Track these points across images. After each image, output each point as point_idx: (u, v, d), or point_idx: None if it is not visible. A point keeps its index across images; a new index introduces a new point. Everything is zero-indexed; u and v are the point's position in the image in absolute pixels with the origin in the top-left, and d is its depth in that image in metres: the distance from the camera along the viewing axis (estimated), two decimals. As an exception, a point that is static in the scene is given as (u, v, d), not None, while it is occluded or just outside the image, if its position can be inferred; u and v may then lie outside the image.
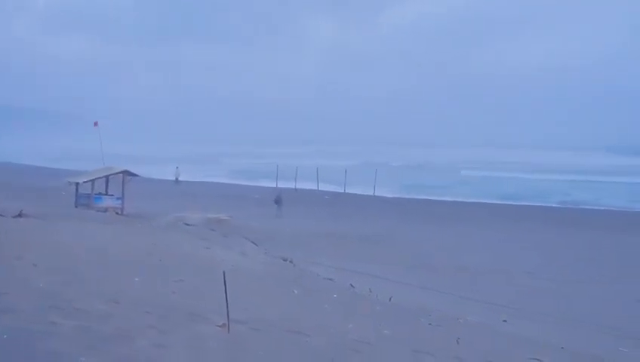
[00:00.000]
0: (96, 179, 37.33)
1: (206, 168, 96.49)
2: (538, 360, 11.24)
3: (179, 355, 7.95)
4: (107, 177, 38.53)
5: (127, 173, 38.37)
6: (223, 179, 78.16)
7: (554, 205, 58.00)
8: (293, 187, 65.00)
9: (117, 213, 35.33)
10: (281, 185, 66.00)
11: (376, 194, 62.76)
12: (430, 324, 13.36)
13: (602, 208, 55.69)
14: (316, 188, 65.23)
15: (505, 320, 17.05)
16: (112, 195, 38.20)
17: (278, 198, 46.53)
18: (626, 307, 21.93)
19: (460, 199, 61.13)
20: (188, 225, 29.99)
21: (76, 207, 35.95)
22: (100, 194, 37.71)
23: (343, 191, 63.98)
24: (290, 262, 21.95)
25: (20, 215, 23.65)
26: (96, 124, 42.67)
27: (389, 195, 62.65)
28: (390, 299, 16.35)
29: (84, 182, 37.22)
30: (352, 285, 18.38)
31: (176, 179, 65.68)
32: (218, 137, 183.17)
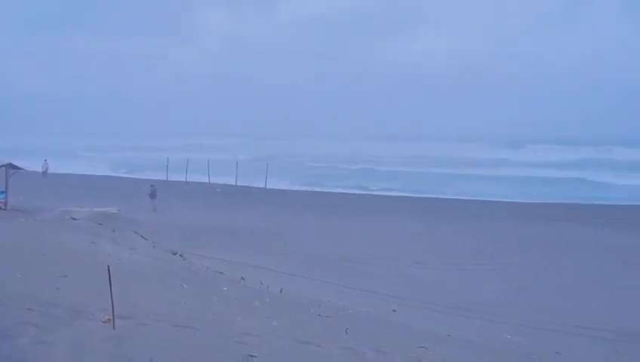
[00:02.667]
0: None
1: (95, 161, 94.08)
2: (425, 348, 11.48)
3: (61, 353, 7.74)
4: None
5: (10, 166, 36.91)
6: (112, 172, 76.43)
7: (442, 196, 59.43)
8: (184, 180, 64.24)
9: (0, 208, 34.00)
10: (172, 178, 65.08)
11: (267, 186, 62.75)
12: (320, 315, 13.47)
13: (489, 199, 57.48)
14: (207, 180, 64.64)
15: (394, 310, 17.38)
16: None
17: (153, 191, 44.54)
18: (510, 295, 22.74)
19: (350, 191, 61.86)
20: (74, 219, 29.12)
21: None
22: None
23: (234, 183, 63.66)
24: (180, 255, 21.68)
25: None
26: None
27: (281, 188, 62.76)
28: (281, 291, 16.40)
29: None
30: (242, 278, 18.32)
31: (44, 172, 63.58)
32: (107, 130, 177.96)
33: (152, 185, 45.41)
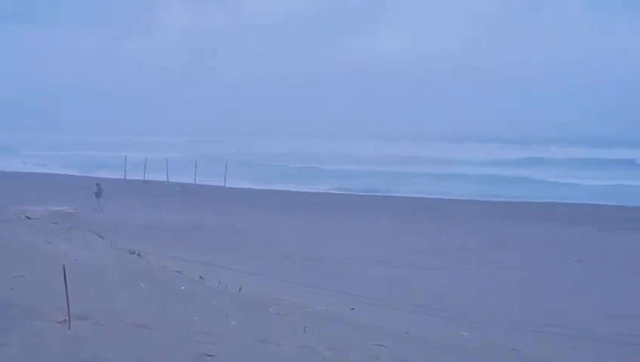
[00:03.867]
0: None
1: (48, 159, 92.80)
2: (382, 345, 11.55)
3: (16, 354, 7.64)
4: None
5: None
6: (67, 171, 75.44)
7: (401, 195, 59.84)
8: (142, 178, 63.75)
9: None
10: (130, 176, 64.57)
11: (227, 185, 62.53)
12: (278, 314, 13.47)
13: (446, 197, 58.01)
14: (166, 179, 64.22)
15: (353, 308, 17.44)
16: None
17: (99, 190, 43.30)
18: (468, 292, 22.98)
19: (311, 190, 61.98)
20: (29, 218, 28.65)
21: None
22: None
23: (193, 182, 63.32)
24: (138, 254, 21.45)
25: None
26: None
27: (240, 186, 62.58)
28: (240, 290, 16.34)
29: None
30: (201, 277, 18.20)
31: None
32: (60, 126, 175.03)
33: (97, 184, 44.33)
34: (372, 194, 60.44)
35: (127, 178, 64.08)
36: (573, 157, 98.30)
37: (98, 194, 42.68)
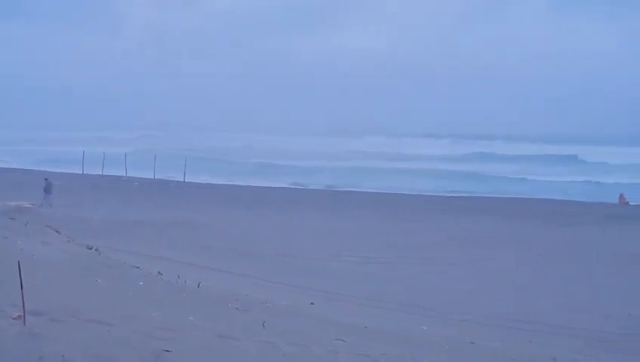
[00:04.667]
0: None
1: (7, 154, 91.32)
2: (341, 340, 11.58)
3: (-31, 350, 7.50)
4: None
5: None
6: (23, 166, 74.29)
7: (359, 190, 60.00)
8: (101, 173, 63.11)
9: None
10: (88, 171, 63.87)
11: (186, 180, 62.18)
12: (237, 309, 13.44)
13: (404, 192, 58.39)
14: (125, 174, 63.65)
15: (312, 303, 17.47)
16: None
17: (48, 186, 41.61)
18: (427, 287, 23.16)
19: (271, 185, 61.93)
20: (-15, 213, 28.22)
21: None
22: None
23: (152, 177, 62.81)
24: (96, 250, 21.23)
25: None
26: None
27: (200, 181, 62.28)
28: (199, 285, 16.27)
29: None
30: (159, 272, 18.08)
31: None
32: (19, 122, 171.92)
33: (46, 179, 42.67)
34: (331, 189, 60.59)
35: (85, 173, 63.36)
36: (520, 153, 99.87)
37: (47, 190, 41.58)
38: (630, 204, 51.53)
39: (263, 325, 11.66)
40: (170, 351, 8.69)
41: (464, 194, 57.01)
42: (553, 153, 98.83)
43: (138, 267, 18.48)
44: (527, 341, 15.97)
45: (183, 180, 62.01)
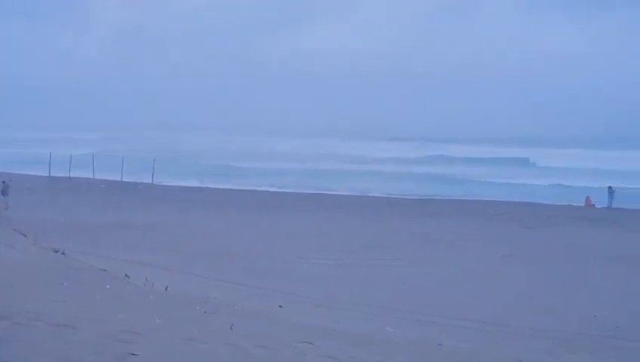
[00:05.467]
0: None
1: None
2: (309, 342, 11.58)
3: None
4: None
5: None
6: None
7: (323, 193, 60.14)
8: (67, 175, 62.55)
9: None
10: (55, 173, 63.27)
11: (155, 182, 61.87)
12: (205, 312, 13.37)
13: (367, 195, 58.81)
14: (92, 176, 63.15)
15: (281, 306, 17.46)
16: None
17: (4, 188, 41.13)
18: (394, 289, 23.27)
19: (236, 187, 61.89)
20: (-52, 216, 27.82)
21: None
22: None
23: (120, 179, 62.39)
24: (62, 253, 21.00)
25: None
26: None
27: (168, 183, 62.02)
28: (166, 289, 16.17)
29: None
30: (127, 275, 17.95)
31: None
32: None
33: (3, 182, 42.23)
34: (300, 192, 60.65)
35: (51, 175, 62.76)
36: (471, 156, 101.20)
37: (4, 192, 41.02)
38: (597, 206, 52.23)
39: (231, 328, 11.62)
40: (137, 355, 8.64)
41: (431, 197, 57.44)
42: (504, 156, 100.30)
43: (105, 270, 18.32)
44: (493, 342, 16.10)
45: (151, 182, 61.67)
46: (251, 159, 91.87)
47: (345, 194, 59.06)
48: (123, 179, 62.44)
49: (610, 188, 53.49)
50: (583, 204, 53.01)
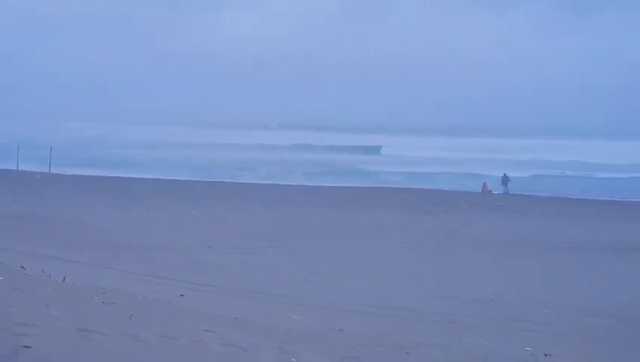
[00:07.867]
0: None
1: None
2: (211, 331, 11.54)
3: None
4: None
5: None
6: None
7: (221, 181, 60.10)
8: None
9: None
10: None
11: (52, 171, 60.21)
12: (104, 302, 13.11)
13: (280, 183, 58.89)
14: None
15: (182, 295, 17.33)
16: None
17: None
18: (299, 277, 23.39)
19: (134, 176, 61.09)
20: None
21: None
22: None
23: (16, 168, 60.50)
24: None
25: None
26: None
27: (68, 173, 60.44)
28: (64, 279, 15.79)
29: None
30: (22, 267, 17.42)
31: None
32: None
33: None
34: (198, 180, 60.40)
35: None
36: (330, 144, 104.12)
37: None
38: (493, 193, 54.21)
39: (130, 318, 11.46)
40: (30, 347, 8.41)
41: (323, 184, 58.47)
42: (357, 144, 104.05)
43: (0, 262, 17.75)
44: (393, 328, 16.39)
45: (48, 171, 60.04)
46: (150, 147, 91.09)
47: (255, 182, 59.20)
48: (19, 168, 60.60)
49: (504, 175, 55.85)
50: (480, 191, 55.07)
